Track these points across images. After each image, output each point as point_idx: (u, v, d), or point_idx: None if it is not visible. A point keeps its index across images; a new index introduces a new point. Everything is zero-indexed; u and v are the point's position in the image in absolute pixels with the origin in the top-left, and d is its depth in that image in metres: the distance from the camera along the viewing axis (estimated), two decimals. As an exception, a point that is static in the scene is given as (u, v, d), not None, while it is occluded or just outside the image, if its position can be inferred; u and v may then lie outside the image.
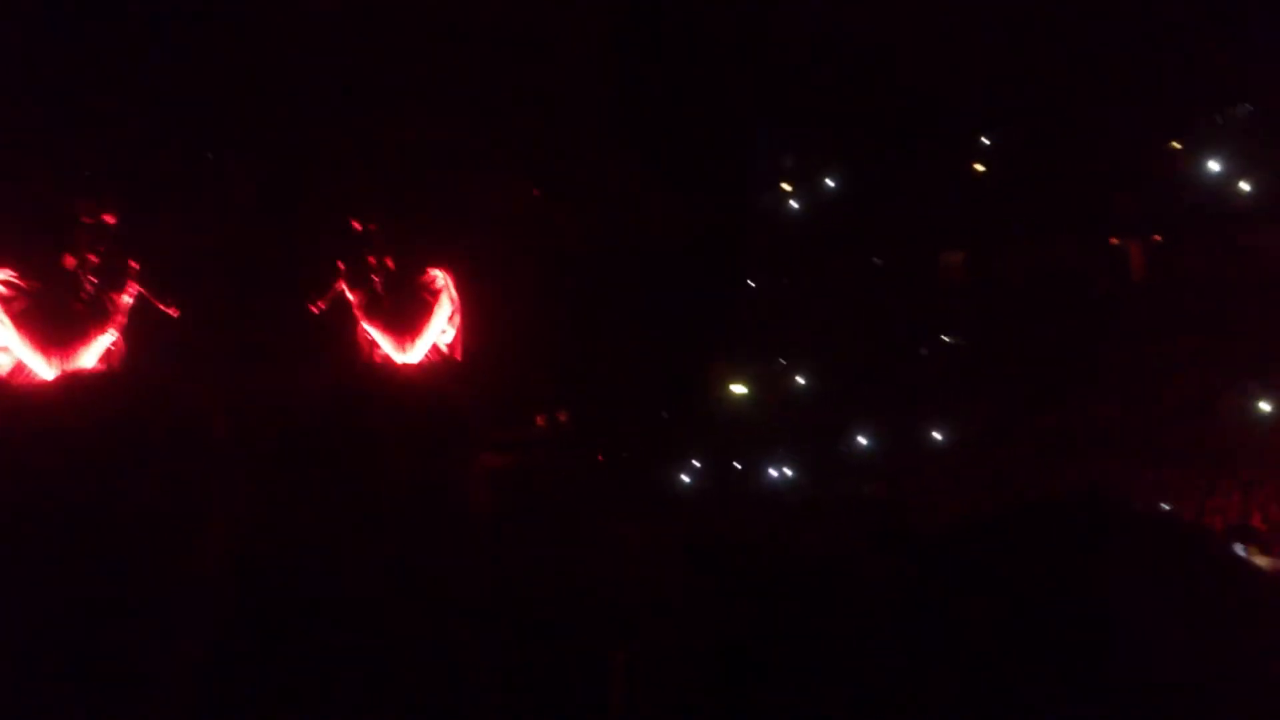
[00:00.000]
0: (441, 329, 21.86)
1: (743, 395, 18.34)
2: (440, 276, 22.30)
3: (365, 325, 20.77)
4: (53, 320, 17.84)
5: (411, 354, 21.06)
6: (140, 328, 18.33)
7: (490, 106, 18.99)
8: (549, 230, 20.06)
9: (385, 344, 20.62)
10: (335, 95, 18.37)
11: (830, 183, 20.83)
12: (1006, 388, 17.35)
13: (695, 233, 19.70)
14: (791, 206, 21.14)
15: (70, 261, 18.78)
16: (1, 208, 17.38)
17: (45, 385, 18.24)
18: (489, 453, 18.06)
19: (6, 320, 17.80)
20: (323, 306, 20.63)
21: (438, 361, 21.43)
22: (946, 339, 19.37)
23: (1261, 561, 9.70)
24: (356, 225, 20.72)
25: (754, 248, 20.41)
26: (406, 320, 21.66)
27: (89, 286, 19.35)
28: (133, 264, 18.07)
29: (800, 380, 18.34)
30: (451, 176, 19.44)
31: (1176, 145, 19.07)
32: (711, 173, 19.71)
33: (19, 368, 18.84)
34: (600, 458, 16.78)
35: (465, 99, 19.03)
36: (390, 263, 21.45)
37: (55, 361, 18.37)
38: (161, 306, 17.63)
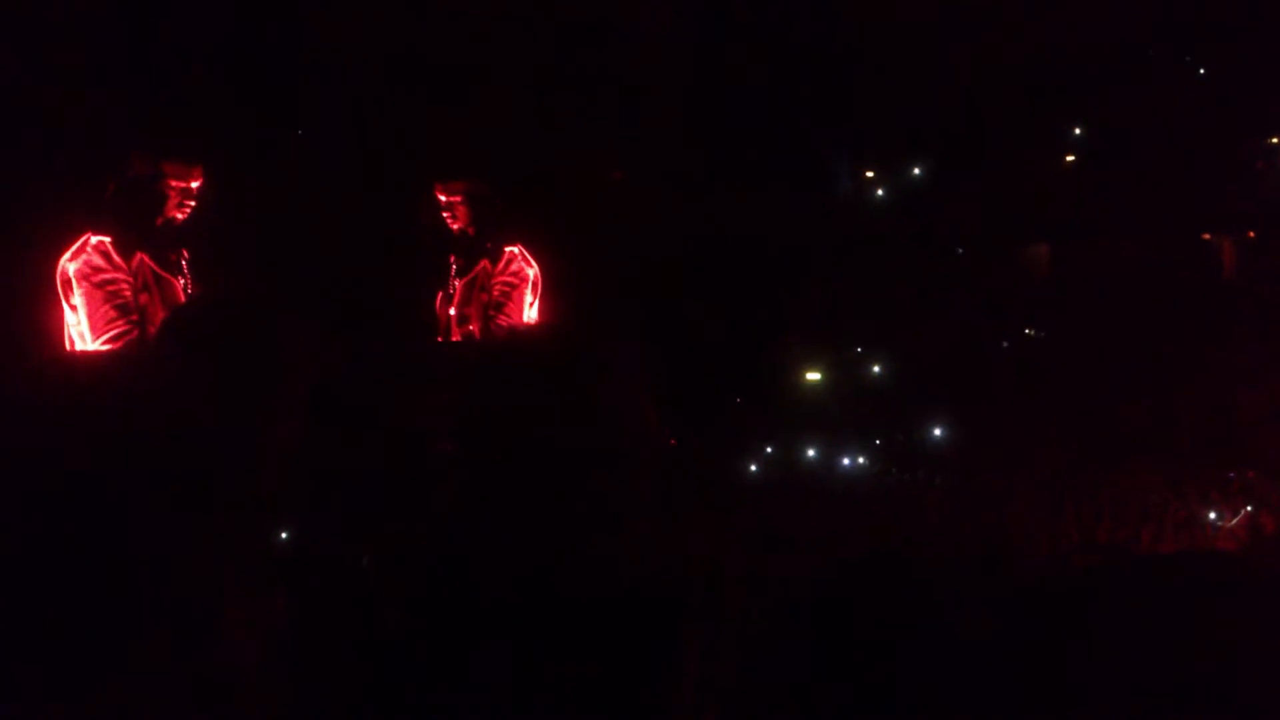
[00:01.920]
0: (530, 303, 22.14)
1: (817, 383, 18.20)
2: (520, 252, 22.55)
3: (449, 303, 21.08)
4: (133, 297, 18.33)
5: (510, 331, 21.20)
6: (218, 299, 18.69)
7: (575, 87, 19.03)
8: (629, 213, 20.07)
9: (476, 322, 20.90)
10: (423, 69, 18.52)
11: (914, 171, 20.58)
12: (1089, 385, 17.04)
13: (775, 220, 19.59)
14: (873, 195, 20.93)
15: (159, 222, 19.31)
16: (104, 172, 17.86)
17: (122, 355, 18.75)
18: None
19: (83, 290, 18.26)
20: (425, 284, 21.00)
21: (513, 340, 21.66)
22: (1029, 333, 19.08)
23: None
24: (442, 195, 21.04)
25: (833, 236, 20.24)
26: (499, 298, 21.96)
27: (174, 254, 19.84)
28: (217, 234, 18.57)
29: (876, 370, 18.16)
30: (532, 155, 19.52)
31: (1275, 140, 18.61)
32: (792, 160, 19.59)
33: (83, 337, 19.33)
34: (673, 442, 16.72)
35: (550, 79, 19.09)
36: (477, 237, 21.75)
37: (119, 334, 18.79)
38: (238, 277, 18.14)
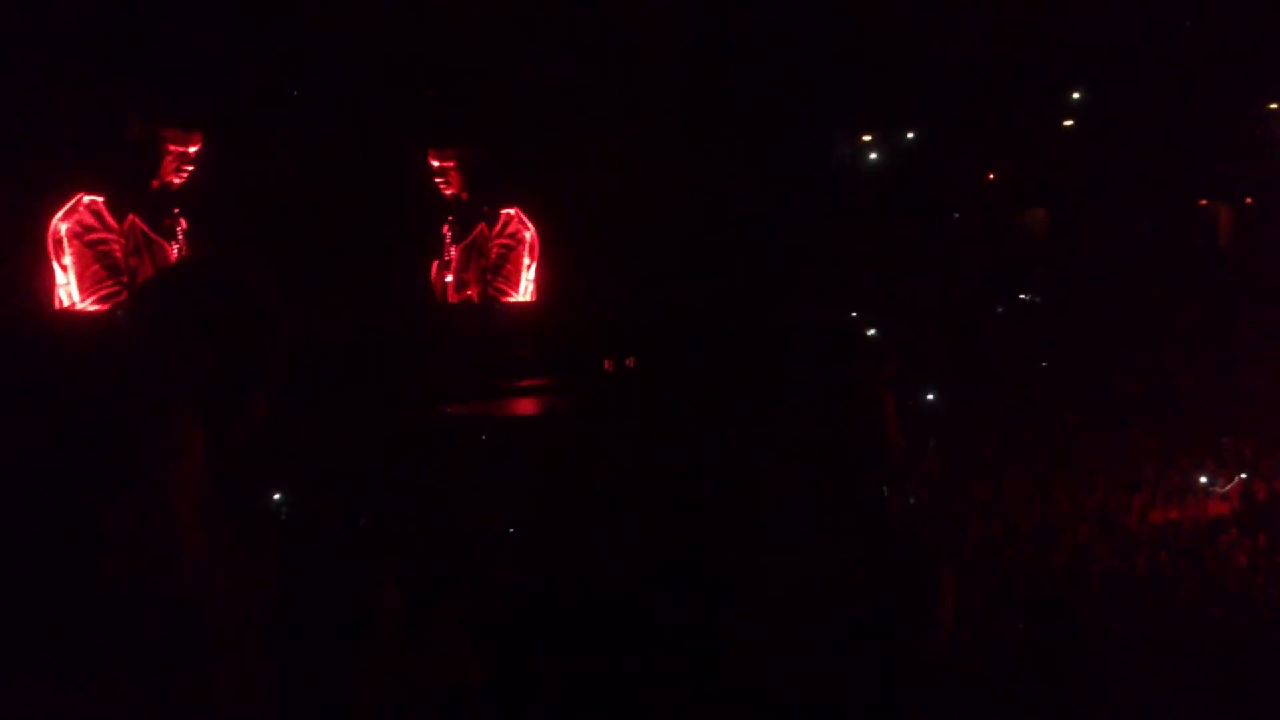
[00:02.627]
0: (527, 265, 22.17)
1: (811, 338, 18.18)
2: (515, 215, 22.57)
3: (450, 267, 21.10)
4: (122, 258, 18.38)
5: (517, 294, 21.36)
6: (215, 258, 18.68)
7: (571, 52, 18.96)
8: (622, 177, 20.04)
9: (475, 286, 20.91)
10: (419, 36, 18.44)
11: (911, 135, 20.52)
12: (1084, 352, 17.05)
13: (771, 183, 19.55)
14: (871, 159, 20.87)
15: (155, 185, 19.35)
16: (99, 135, 17.85)
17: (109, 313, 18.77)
18: (560, 396, 18.28)
19: (73, 249, 18.31)
20: (422, 252, 21.01)
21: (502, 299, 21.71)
22: (1025, 298, 19.08)
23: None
24: (434, 161, 21.06)
25: (831, 200, 20.20)
26: (497, 262, 22.03)
27: (168, 218, 19.88)
28: (214, 196, 18.59)
29: (873, 333, 18.16)
30: (528, 118, 19.48)
31: (1274, 106, 18.56)
32: (790, 123, 19.52)
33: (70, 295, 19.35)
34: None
35: (546, 44, 19.03)
36: (472, 201, 21.80)
37: (108, 295, 18.79)
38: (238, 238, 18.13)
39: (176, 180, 18.96)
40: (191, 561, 1.19)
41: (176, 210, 18.61)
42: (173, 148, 18.63)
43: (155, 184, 18.84)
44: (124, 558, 1.14)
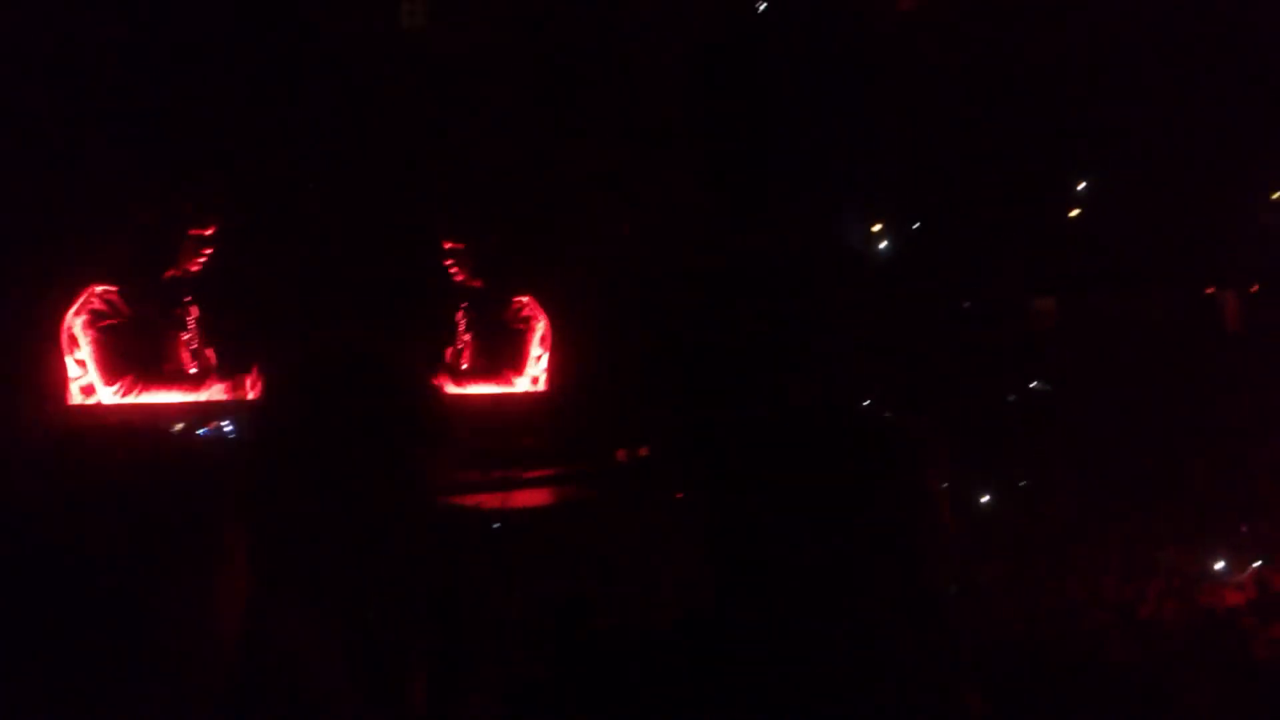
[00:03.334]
0: (537, 356, 22.25)
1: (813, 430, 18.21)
2: (528, 303, 22.68)
3: (458, 355, 21.19)
4: (137, 344, 18.48)
5: (518, 383, 21.38)
6: (225, 343, 18.90)
7: (580, 135, 19.21)
8: (637, 262, 20.21)
9: (486, 374, 20.98)
10: (427, 122, 18.71)
11: (919, 223, 20.72)
12: (1096, 438, 17.07)
13: (785, 272, 19.72)
14: (880, 245, 21.06)
15: (169, 275, 19.52)
16: (110, 223, 18.01)
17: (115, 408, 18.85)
18: (573, 485, 18.26)
19: (89, 338, 18.46)
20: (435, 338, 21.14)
21: (522, 391, 21.73)
22: (1035, 385, 19.12)
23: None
24: (447, 244, 21.24)
25: (841, 286, 20.34)
26: (506, 349, 22.10)
27: (179, 308, 20.04)
28: (227, 285, 18.74)
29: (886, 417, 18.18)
30: (542, 205, 19.69)
31: (1277, 196, 18.75)
32: (800, 208, 19.73)
33: (89, 389, 19.46)
34: (679, 495, 16.77)
35: (554, 128, 19.27)
36: (479, 284, 21.91)
37: (126, 385, 18.90)
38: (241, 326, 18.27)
39: (192, 267, 19.17)
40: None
41: (188, 298, 18.76)
42: (191, 232, 18.85)
43: (170, 272, 19.06)
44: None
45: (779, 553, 1.31)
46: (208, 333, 19.51)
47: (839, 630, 1.29)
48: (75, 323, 19.89)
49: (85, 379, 20.26)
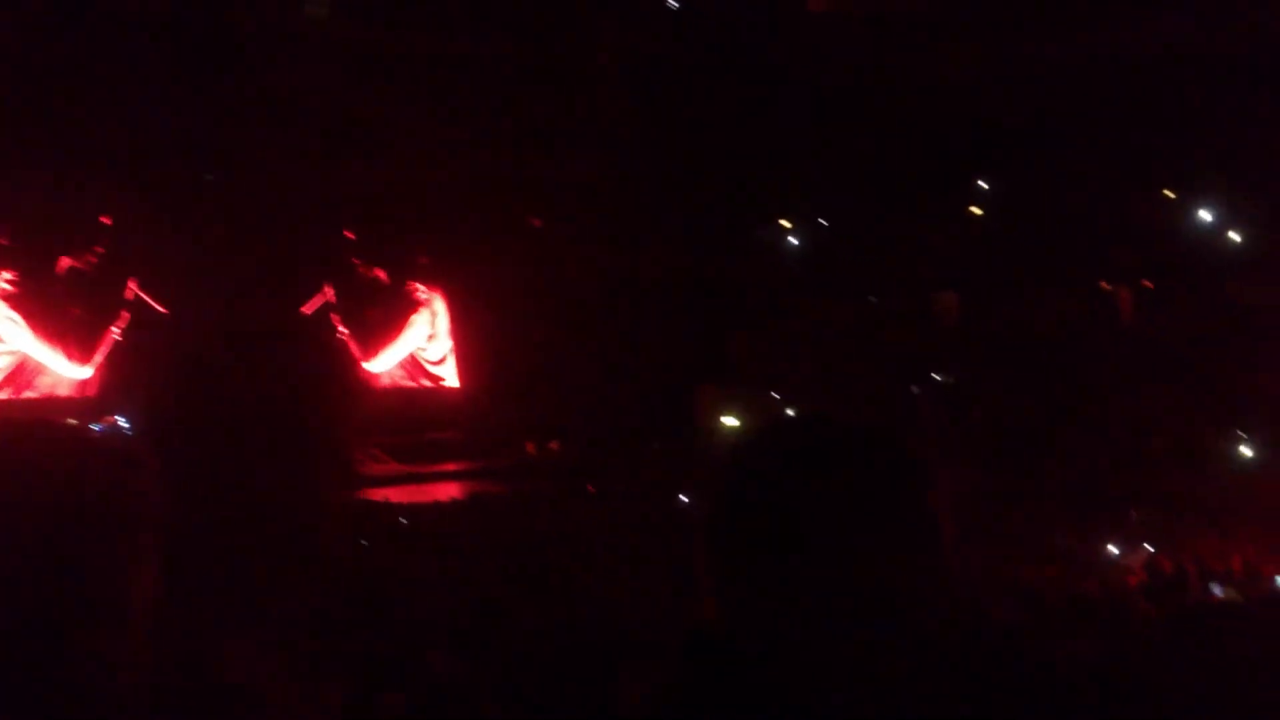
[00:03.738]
0: (419, 344, 22.04)
1: (735, 430, 18.43)
2: (421, 290, 22.46)
3: (341, 331, 20.91)
4: (61, 321, 18.23)
5: (376, 364, 21.16)
6: (133, 326, 18.53)
7: (495, 135, 19.17)
8: (547, 260, 20.22)
9: (356, 351, 20.71)
10: (341, 118, 18.53)
11: (828, 222, 21.02)
12: (995, 429, 17.49)
13: (693, 267, 19.88)
14: (790, 244, 21.32)
15: (66, 264, 19.07)
16: (8, 218, 17.69)
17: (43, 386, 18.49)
18: (482, 480, 18.21)
19: (20, 321, 18.16)
20: (308, 311, 20.81)
21: (422, 382, 21.62)
22: (937, 378, 19.51)
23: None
24: (349, 234, 20.94)
25: (751, 283, 20.57)
26: (380, 330, 21.85)
27: (88, 288, 19.59)
28: (129, 266, 18.37)
29: (792, 414, 18.42)
30: (450, 198, 19.59)
31: (1170, 194, 19.33)
32: (711, 210, 19.91)
33: (19, 369, 19.02)
34: (590, 488, 16.84)
35: (470, 127, 19.21)
36: (381, 274, 21.63)
37: (71, 358, 18.55)
38: (155, 306, 17.97)
39: (90, 259, 18.76)
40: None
41: (95, 282, 18.43)
42: (84, 225, 18.44)
43: (68, 263, 18.67)
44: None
45: (776, 568, 1.34)
46: (101, 326, 19.11)
47: (832, 650, 1.32)
48: None
49: (13, 359, 19.79)
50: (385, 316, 21.44)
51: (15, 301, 18.49)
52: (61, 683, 1.12)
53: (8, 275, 18.40)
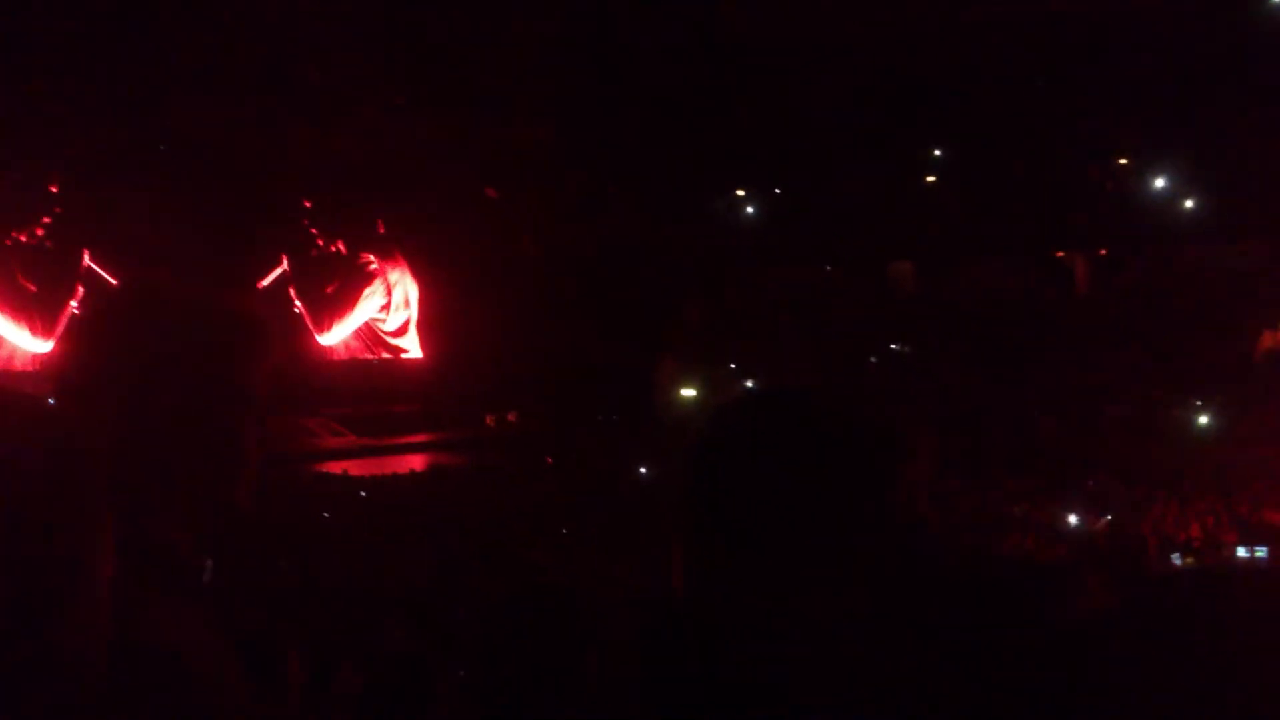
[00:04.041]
0: (372, 315, 21.87)
1: (692, 400, 18.43)
2: (374, 261, 22.28)
3: (297, 303, 20.74)
4: (19, 295, 18.03)
5: (329, 336, 21.02)
6: (88, 299, 18.29)
7: (450, 106, 18.96)
8: (504, 232, 20.09)
9: (310, 323, 20.56)
10: (298, 87, 18.30)
11: (783, 192, 20.98)
12: (953, 400, 17.56)
13: (649, 238, 19.79)
14: (745, 214, 21.26)
15: (17, 236, 18.83)
16: None
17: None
18: (442, 451, 18.13)
19: None
20: (264, 283, 20.62)
21: (382, 354, 21.49)
22: (895, 348, 19.57)
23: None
24: (307, 204, 20.76)
25: (707, 254, 20.52)
26: (335, 302, 21.66)
27: (45, 262, 19.36)
28: (83, 238, 18.19)
29: (750, 385, 18.44)
30: (407, 170, 19.43)
31: (1123, 161, 19.44)
32: (666, 180, 19.80)
33: None
34: (549, 460, 16.78)
35: (427, 98, 19.00)
36: (340, 246, 21.44)
37: (34, 333, 18.32)
38: (107, 277, 17.78)
39: (39, 231, 18.52)
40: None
41: (51, 255, 18.23)
42: (32, 196, 18.20)
43: (22, 237, 18.41)
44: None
45: (750, 542, 1.27)
46: (59, 299, 18.86)
47: (809, 624, 1.26)
48: None
49: None
50: (340, 289, 21.29)
51: None
52: (14, 674, 1.04)
53: None
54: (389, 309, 21.66)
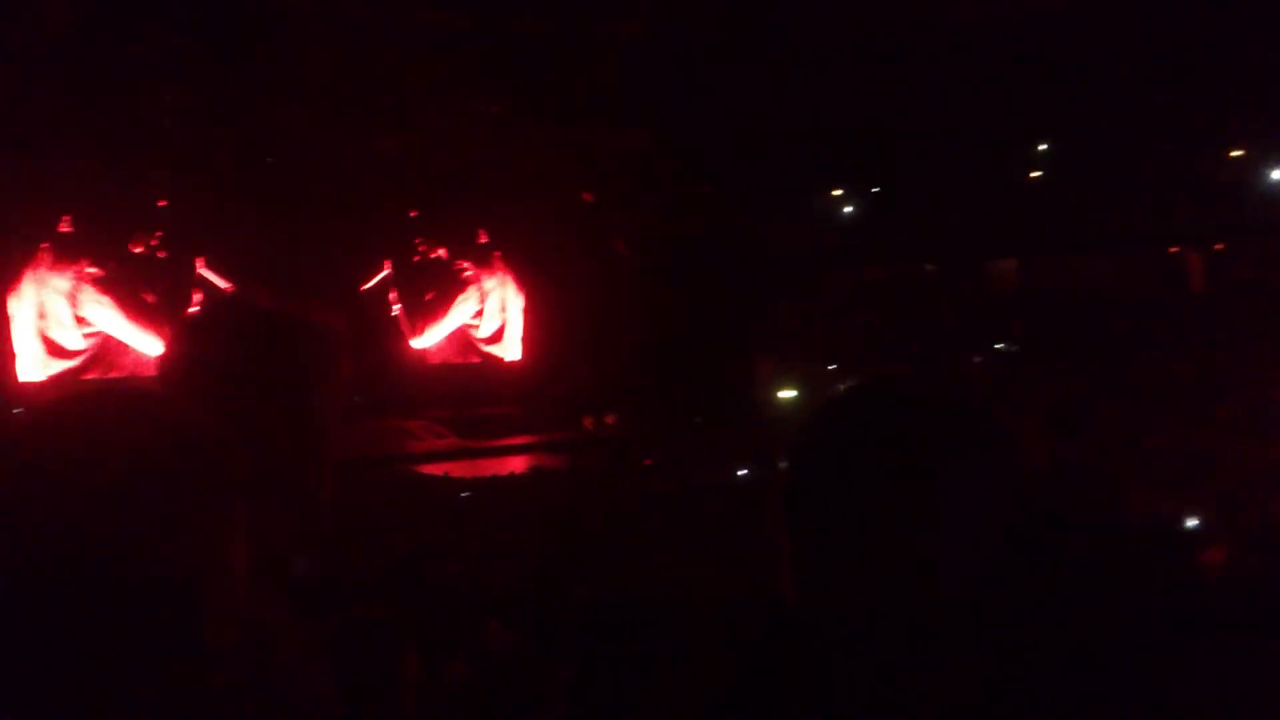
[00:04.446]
0: (465, 321, 22.15)
1: (790, 401, 18.26)
2: (469, 269, 22.56)
3: (396, 308, 21.18)
4: (140, 303, 18.66)
5: (422, 340, 21.33)
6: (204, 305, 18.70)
7: (545, 113, 19.09)
8: (600, 235, 20.17)
9: (406, 328, 20.97)
10: (393, 97, 18.58)
11: (880, 189, 20.73)
12: (1061, 399, 17.17)
13: (745, 239, 19.69)
14: (842, 212, 21.05)
15: (135, 248, 19.42)
16: (77, 205, 18.16)
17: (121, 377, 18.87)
18: (542, 453, 18.20)
19: (109, 303, 18.61)
20: (369, 288, 21.06)
21: (474, 359, 21.75)
22: (1000, 347, 19.20)
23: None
24: (412, 213, 21.17)
25: (803, 253, 20.35)
26: (431, 307, 22.04)
27: (161, 273, 20.00)
28: (196, 248, 18.79)
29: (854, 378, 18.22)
30: (506, 178, 19.62)
31: (1239, 153, 18.86)
32: (764, 181, 19.68)
33: (104, 350, 19.41)
34: (648, 462, 16.73)
35: (523, 107, 19.18)
36: (443, 253, 21.82)
37: (158, 339, 18.89)
38: (221, 283, 18.35)
39: (153, 242, 19.12)
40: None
41: (166, 265, 18.81)
42: (149, 211, 18.81)
43: (139, 248, 19.05)
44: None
45: (861, 538, 1.19)
46: (176, 306, 19.43)
47: (925, 622, 1.17)
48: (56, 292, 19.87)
49: (78, 352, 20.25)
50: (437, 295, 21.64)
51: (103, 285, 18.98)
52: (159, 659, 1.08)
53: (91, 261, 18.97)
54: (482, 315, 21.91)
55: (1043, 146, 19.90)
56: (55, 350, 18.83)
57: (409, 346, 21.20)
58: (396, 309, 21.04)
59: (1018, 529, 1.16)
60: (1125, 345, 17.85)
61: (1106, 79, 18.15)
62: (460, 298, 21.80)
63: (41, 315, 18.62)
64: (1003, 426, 1.22)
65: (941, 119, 18.88)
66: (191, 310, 1.59)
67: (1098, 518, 1.36)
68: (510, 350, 21.93)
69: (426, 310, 21.58)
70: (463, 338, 21.95)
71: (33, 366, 18.55)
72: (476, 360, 21.91)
